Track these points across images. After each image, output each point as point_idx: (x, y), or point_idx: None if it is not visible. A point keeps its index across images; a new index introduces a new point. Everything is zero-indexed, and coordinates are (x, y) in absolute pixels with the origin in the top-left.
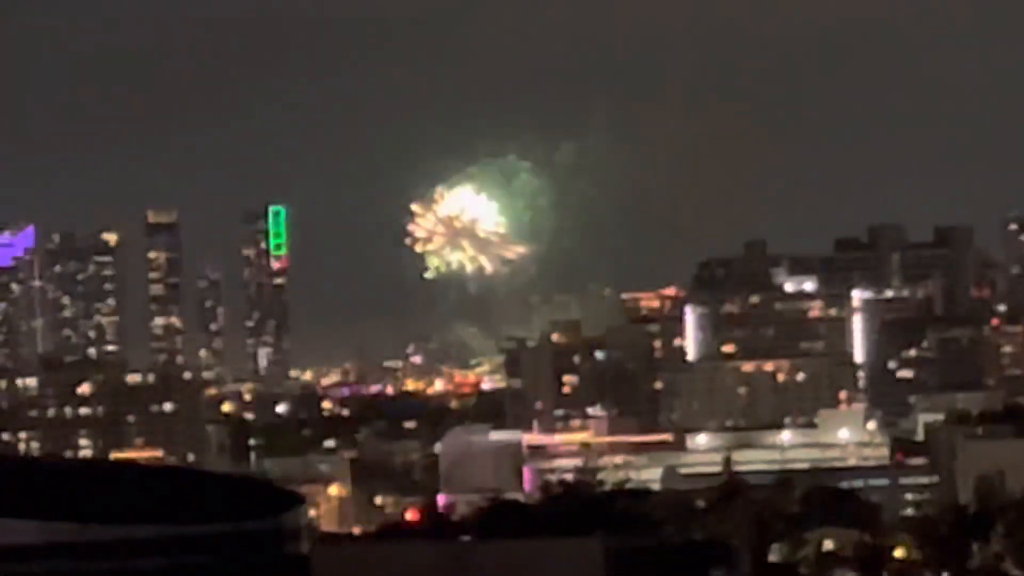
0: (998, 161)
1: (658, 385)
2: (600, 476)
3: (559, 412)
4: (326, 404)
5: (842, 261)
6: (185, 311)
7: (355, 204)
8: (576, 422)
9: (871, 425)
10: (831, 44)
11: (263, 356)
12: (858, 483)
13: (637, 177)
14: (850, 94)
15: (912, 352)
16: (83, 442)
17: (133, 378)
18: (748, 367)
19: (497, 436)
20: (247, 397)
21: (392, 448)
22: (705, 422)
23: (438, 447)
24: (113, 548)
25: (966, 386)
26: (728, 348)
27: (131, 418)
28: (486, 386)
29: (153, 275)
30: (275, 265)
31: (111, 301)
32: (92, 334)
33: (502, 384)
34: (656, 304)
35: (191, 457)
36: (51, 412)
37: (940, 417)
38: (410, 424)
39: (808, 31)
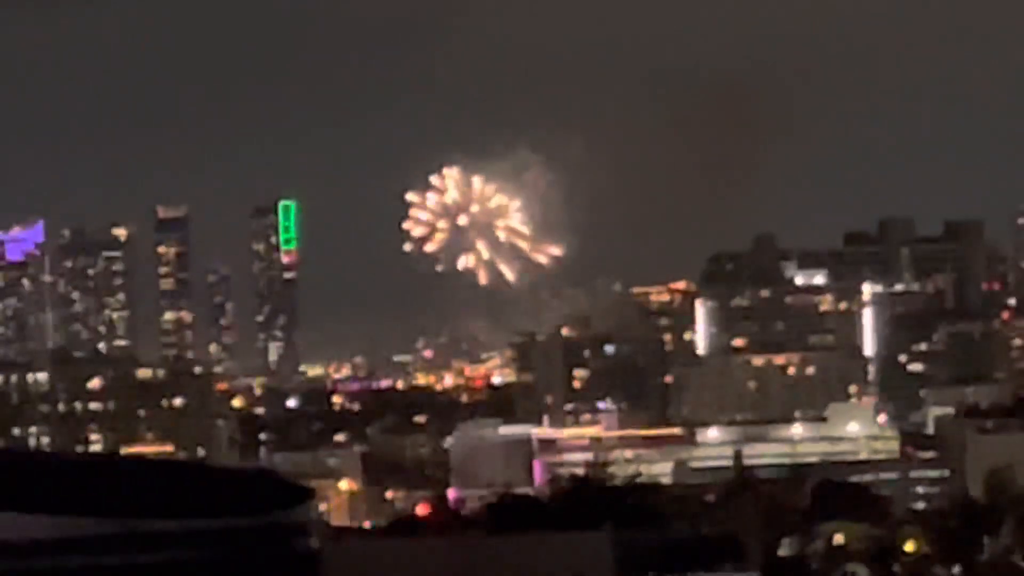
0: (1008, 155)
1: (668, 379)
2: (610, 470)
3: (569, 406)
4: (336, 399)
5: (852, 255)
6: (195, 306)
7: (365, 198)
8: (586, 416)
9: (881, 419)
10: (842, 38)
11: (273, 351)
12: (868, 477)
13: (647, 171)
14: (860, 88)
15: (922, 346)
16: (93, 437)
17: (143, 373)
18: (758, 361)
19: (507, 430)
20: (257, 392)
21: (402, 443)
22: (715, 416)
23: (448, 441)
24: (123, 543)
25: (976, 380)
26: (738, 342)
27: (141, 413)
28: (496, 380)
29: (163, 270)
30: (285, 259)
31: (121, 296)
32: (102, 329)
33: (512, 378)
34: (666, 298)
35: (201, 452)
36: (61, 407)
37: (950, 411)
38: (420, 418)
39: (819, 26)
